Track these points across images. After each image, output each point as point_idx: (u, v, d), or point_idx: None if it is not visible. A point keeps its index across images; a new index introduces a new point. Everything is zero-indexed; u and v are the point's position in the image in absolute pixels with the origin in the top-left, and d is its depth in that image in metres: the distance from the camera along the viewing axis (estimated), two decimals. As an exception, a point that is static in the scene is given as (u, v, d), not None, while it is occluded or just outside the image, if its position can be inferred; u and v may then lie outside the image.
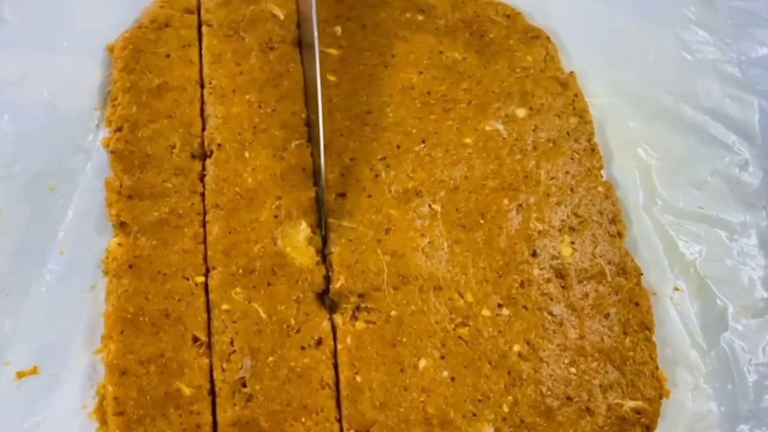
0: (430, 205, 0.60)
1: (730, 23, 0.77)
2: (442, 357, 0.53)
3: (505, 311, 0.56)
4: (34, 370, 0.50)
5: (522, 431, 0.51)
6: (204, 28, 0.68)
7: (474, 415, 0.51)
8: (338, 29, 0.70)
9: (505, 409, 0.52)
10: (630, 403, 0.53)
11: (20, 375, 0.50)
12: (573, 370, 0.54)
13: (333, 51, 0.68)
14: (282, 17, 0.69)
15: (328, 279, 0.56)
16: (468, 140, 0.64)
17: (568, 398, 0.53)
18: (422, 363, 0.53)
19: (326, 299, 0.56)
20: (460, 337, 0.54)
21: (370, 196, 0.60)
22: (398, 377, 0.52)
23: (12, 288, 0.53)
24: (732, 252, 0.64)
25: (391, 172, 0.61)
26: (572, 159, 0.65)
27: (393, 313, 0.54)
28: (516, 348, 0.54)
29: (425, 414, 0.51)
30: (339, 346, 0.53)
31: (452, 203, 0.60)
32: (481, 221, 0.60)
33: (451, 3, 0.73)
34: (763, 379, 0.57)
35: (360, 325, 0.54)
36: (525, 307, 0.56)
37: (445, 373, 0.52)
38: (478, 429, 0.51)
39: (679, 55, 0.75)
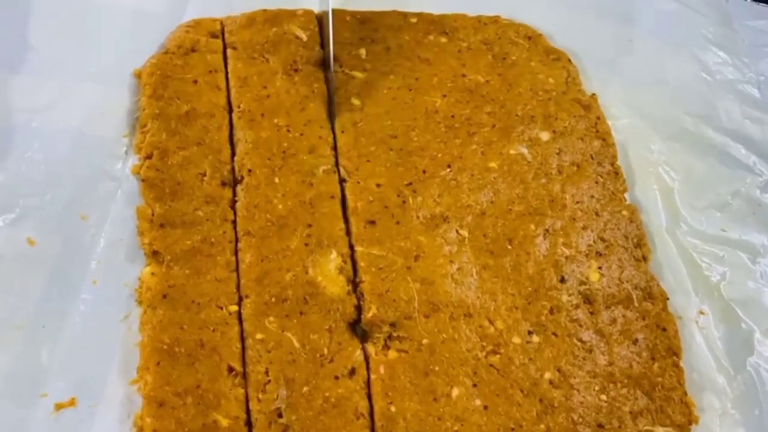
0: (457, 231, 0.61)
1: (748, 43, 0.78)
2: (475, 385, 0.53)
3: (535, 338, 0.56)
4: (72, 402, 0.51)
5: (555, 460, 0.52)
6: (229, 51, 0.68)
7: (507, 443, 0.52)
8: (363, 52, 0.70)
9: (539, 438, 0.52)
10: (660, 430, 0.54)
11: (58, 407, 0.50)
12: (603, 396, 0.55)
13: (358, 74, 0.69)
14: (305, 38, 0.70)
15: (359, 308, 0.56)
16: (493, 164, 0.65)
17: (600, 425, 0.53)
18: (455, 392, 0.53)
19: (358, 329, 0.56)
20: (491, 365, 0.54)
21: (398, 222, 0.60)
22: (432, 407, 0.52)
23: (47, 319, 0.53)
24: (755, 274, 0.65)
25: (418, 198, 0.62)
26: (596, 182, 0.65)
27: (425, 341, 0.55)
28: (547, 375, 0.55)
29: (460, 444, 0.51)
30: (372, 376, 0.53)
31: (479, 229, 0.61)
32: (509, 247, 0.60)
33: (473, 25, 0.73)
34: (789, 402, 0.58)
35: (392, 354, 0.54)
36: (555, 334, 0.57)
37: (478, 402, 0.53)
38: (512, 458, 0.51)
39: (699, 76, 0.76)
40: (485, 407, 0.53)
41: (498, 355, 0.55)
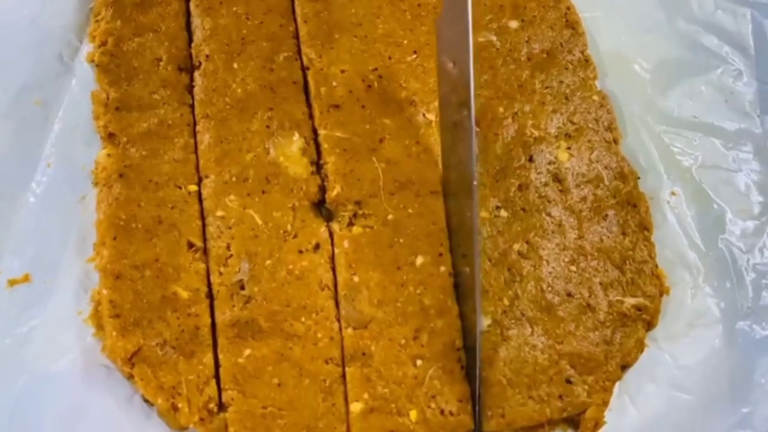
0: (424, 114, 0.59)
1: (721, -64, 0.77)
2: (440, 255, 0.52)
3: (503, 213, 0.55)
4: (26, 278, 0.49)
5: (522, 324, 0.51)
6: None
7: (473, 308, 0.51)
8: (325, -55, 0.68)
9: (506, 302, 0.51)
10: (631, 300, 0.53)
11: (12, 282, 0.49)
12: (573, 268, 0.54)
13: (320, -34, 0.66)
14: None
15: (323, 189, 0.55)
16: (460, 51, 0.63)
17: (569, 294, 0.53)
18: (419, 260, 0.52)
19: (323, 210, 0.55)
20: (458, 238, 0.54)
21: (363, 106, 0.59)
22: (395, 275, 0.51)
23: (-1, 199, 0.52)
24: (727, 159, 0.63)
25: (383, 83, 0.60)
26: (566, 69, 0.64)
27: (390, 217, 0.54)
28: (516, 246, 0.54)
29: (422, 305, 0.50)
30: (336, 250, 0.52)
31: (446, 112, 0.59)
32: (477, 128, 0.59)
33: None
34: (761, 277, 0.57)
35: (357, 230, 0.53)
36: (523, 209, 0.56)
37: (443, 269, 0.52)
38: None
39: (672, -31, 0.74)
40: (450, 273, 0.52)
41: (465, 229, 0.54)
